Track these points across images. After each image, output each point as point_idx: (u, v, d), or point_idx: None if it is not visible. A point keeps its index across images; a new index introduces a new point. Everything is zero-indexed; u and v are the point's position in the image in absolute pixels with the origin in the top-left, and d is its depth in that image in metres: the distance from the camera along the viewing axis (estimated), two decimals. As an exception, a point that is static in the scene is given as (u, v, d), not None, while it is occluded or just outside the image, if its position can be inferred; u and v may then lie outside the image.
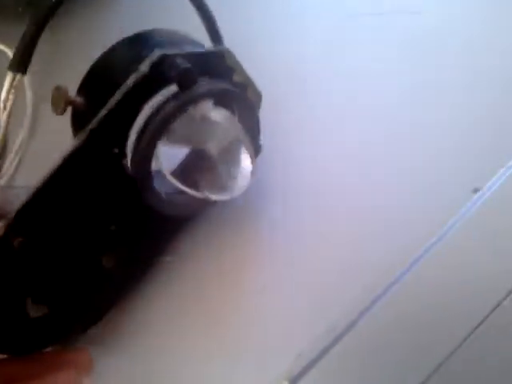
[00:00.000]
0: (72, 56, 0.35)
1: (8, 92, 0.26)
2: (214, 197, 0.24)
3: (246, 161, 0.24)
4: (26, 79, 0.34)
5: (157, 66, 0.21)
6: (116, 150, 0.22)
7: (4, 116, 0.28)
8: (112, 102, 0.20)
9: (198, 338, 0.26)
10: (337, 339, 0.25)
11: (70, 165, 0.20)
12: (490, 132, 0.29)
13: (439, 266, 0.26)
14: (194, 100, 0.21)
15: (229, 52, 0.23)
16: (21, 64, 0.24)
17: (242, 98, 0.24)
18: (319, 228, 0.28)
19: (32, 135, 0.33)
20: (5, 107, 0.28)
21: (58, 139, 0.27)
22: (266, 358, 0.25)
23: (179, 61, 0.21)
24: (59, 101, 0.21)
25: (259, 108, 0.26)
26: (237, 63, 0.23)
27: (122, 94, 0.20)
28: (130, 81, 0.20)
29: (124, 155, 0.22)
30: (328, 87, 0.30)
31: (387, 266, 0.26)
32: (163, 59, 0.21)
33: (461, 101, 0.30)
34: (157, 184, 0.23)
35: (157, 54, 0.20)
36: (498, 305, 0.24)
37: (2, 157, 0.31)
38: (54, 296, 0.23)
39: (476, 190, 0.27)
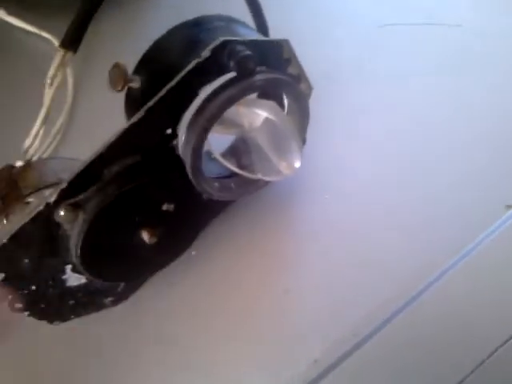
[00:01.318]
0: (114, 44, 0.35)
1: (57, 69, 0.25)
2: (266, 178, 0.25)
3: (294, 146, 0.25)
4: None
5: (218, 51, 0.21)
6: (169, 131, 0.22)
7: (51, 92, 0.27)
8: (171, 83, 0.21)
9: (215, 337, 0.26)
10: (355, 347, 0.24)
11: (125, 139, 0.21)
12: None
13: (469, 280, 0.26)
14: (252, 88, 0.21)
15: (287, 43, 0.23)
16: (73, 41, 0.24)
17: (295, 90, 0.24)
18: (345, 230, 0.27)
19: (73, 113, 0.34)
20: (52, 83, 0.27)
21: (97, 120, 0.28)
22: (282, 362, 0.25)
23: (240, 48, 0.21)
24: (119, 78, 0.21)
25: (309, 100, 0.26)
26: (294, 55, 0.23)
27: (181, 77, 0.20)
28: (191, 64, 0.21)
29: (175, 136, 0.22)
30: (361, 94, 0.30)
31: (413, 278, 0.26)
32: (225, 45, 0.21)
33: (496, 117, 0.30)
34: (205, 168, 0.23)
35: (219, 40, 0.21)
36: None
37: (46, 132, 0.31)
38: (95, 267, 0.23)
39: (509, 207, 0.27)
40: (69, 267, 0.23)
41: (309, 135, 0.26)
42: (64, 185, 0.20)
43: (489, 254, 0.26)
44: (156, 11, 0.34)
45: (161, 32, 0.23)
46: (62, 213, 0.21)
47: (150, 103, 0.21)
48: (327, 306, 0.25)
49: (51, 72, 0.25)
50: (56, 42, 0.32)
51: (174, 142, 0.23)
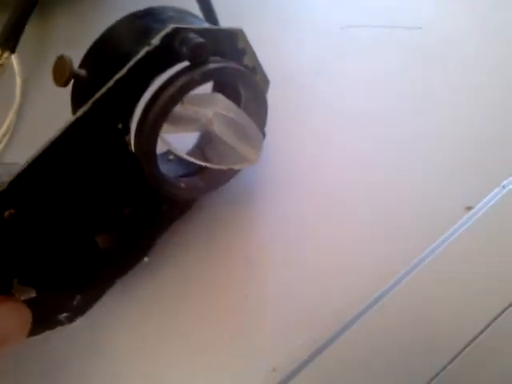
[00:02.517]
0: (61, 41, 0.33)
1: None
2: (235, 167, 0.24)
3: (253, 133, 0.24)
4: (15, 60, 0.33)
5: (169, 39, 0.20)
6: (120, 126, 0.21)
7: None
8: (120, 73, 0.19)
9: (170, 347, 0.24)
10: (314, 353, 0.24)
11: (70, 136, 0.19)
12: (485, 150, 0.29)
13: (429, 282, 0.25)
14: (206, 77, 0.20)
15: (242, 32, 0.22)
16: (9, 40, 0.24)
17: (251, 81, 0.23)
18: (310, 232, 0.27)
19: (21, 115, 0.32)
20: None
21: (46, 119, 0.26)
22: (240, 371, 0.24)
23: (192, 35, 0.20)
24: (63, 71, 0.20)
25: (266, 94, 0.25)
26: (249, 46, 0.23)
27: (131, 66, 0.19)
28: (142, 53, 0.19)
29: (128, 131, 0.21)
30: (323, 97, 0.30)
31: (375, 280, 0.25)
32: (176, 33, 0.20)
33: (457, 117, 0.30)
34: (166, 169, 0.22)
35: (170, 27, 0.20)
36: (489, 324, 0.24)
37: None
38: (42, 277, 0.22)
39: (469, 209, 0.27)
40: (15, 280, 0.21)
41: (268, 136, 0.26)
42: (4, 185, 0.19)
43: (449, 257, 0.26)
44: (108, 9, 0.32)
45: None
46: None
47: (97, 95, 0.19)
48: (287, 313, 0.25)
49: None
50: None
51: (127, 138, 0.21)
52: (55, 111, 0.23)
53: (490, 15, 0.32)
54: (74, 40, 0.24)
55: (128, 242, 0.23)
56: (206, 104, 0.23)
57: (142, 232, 0.24)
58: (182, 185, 0.24)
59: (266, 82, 0.25)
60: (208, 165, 0.25)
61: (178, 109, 0.22)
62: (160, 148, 0.23)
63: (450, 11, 0.32)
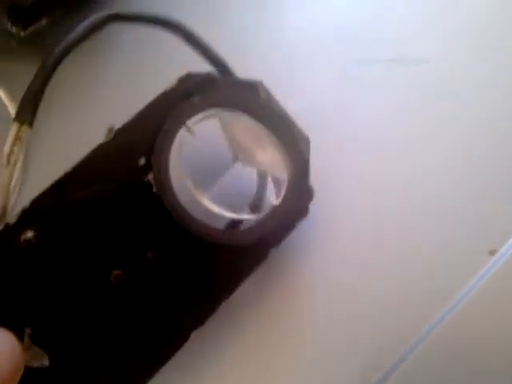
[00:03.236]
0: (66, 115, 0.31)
1: (13, 144, 0.23)
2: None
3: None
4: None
5: (184, 83, 0.22)
6: (142, 162, 0.22)
7: (8, 171, 0.24)
8: (142, 109, 0.22)
9: None
10: None
11: (92, 163, 0.21)
12: (506, 192, 0.28)
13: (457, 331, 0.25)
14: (206, 102, 0.22)
15: (262, 84, 0.24)
16: (29, 114, 0.22)
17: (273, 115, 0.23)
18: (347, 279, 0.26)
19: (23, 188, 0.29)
20: (8, 161, 0.23)
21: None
22: None
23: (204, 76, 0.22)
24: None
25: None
26: (271, 96, 0.24)
27: (150, 102, 0.22)
28: (159, 93, 0.22)
29: (150, 168, 0.22)
30: (335, 134, 0.29)
31: (401, 333, 0.25)
32: (189, 77, 0.22)
33: (474, 154, 0.29)
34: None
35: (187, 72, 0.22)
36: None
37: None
38: (58, 336, 0.20)
39: (493, 252, 0.26)
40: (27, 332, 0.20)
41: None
42: (26, 206, 0.20)
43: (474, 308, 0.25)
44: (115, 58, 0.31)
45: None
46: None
47: (121, 127, 0.22)
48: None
49: (6, 149, 0.23)
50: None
51: (150, 177, 0.22)
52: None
53: (502, 46, 0.30)
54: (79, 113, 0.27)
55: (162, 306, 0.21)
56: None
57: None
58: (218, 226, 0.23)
59: (302, 137, 0.24)
60: (238, 216, 0.23)
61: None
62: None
63: (459, 43, 0.31)
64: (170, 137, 0.21)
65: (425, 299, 0.26)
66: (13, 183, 0.24)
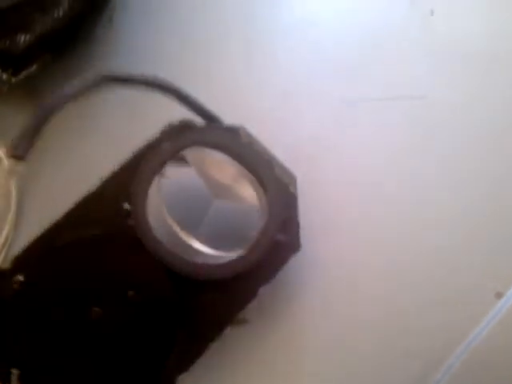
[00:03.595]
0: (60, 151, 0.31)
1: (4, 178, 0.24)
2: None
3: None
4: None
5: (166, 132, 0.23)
6: (127, 206, 0.23)
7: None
8: (126, 160, 0.23)
9: None
10: None
11: (80, 211, 0.22)
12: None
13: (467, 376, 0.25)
14: (178, 148, 0.23)
15: (244, 130, 0.25)
16: (24, 152, 0.22)
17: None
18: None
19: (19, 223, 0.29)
20: None
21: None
22: None
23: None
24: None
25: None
26: (254, 140, 0.25)
27: (136, 152, 0.23)
28: (147, 142, 0.23)
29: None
30: (327, 174, 0.29)
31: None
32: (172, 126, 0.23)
33: (476, 196, 0.28)
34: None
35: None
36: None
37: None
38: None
39: (499, 295, 0.26)
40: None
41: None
42: (19, 253, 0.21)
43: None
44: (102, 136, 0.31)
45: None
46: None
47: (109, 175, 0.23)
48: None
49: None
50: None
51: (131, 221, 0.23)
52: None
53: (497, 82, 0.30)
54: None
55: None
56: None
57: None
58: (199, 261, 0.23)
59: (290, 177, 0.25)
60: (226, 254, 0.24)
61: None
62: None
63: (454, 78, 0.31)
64: (144, 182, 0.22)
65: (431, 347, 0.26)
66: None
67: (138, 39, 0.31)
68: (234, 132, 0.25)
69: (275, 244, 0.23)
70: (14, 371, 0.20)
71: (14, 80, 0.27)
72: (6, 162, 0.23)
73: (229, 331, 0.23)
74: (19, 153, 0.22)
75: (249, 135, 0.25)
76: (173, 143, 0.23)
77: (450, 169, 0.29)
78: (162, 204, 0.23)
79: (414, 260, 0.27)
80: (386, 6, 0.32)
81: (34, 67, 0.27)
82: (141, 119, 0.29)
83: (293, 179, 0.25)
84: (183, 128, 0.24)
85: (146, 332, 0.22)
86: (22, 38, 0.27)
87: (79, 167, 0.28)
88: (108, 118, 0.29)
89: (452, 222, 0.28)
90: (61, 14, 0.28)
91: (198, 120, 0.25)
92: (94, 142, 0.29)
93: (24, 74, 0.27)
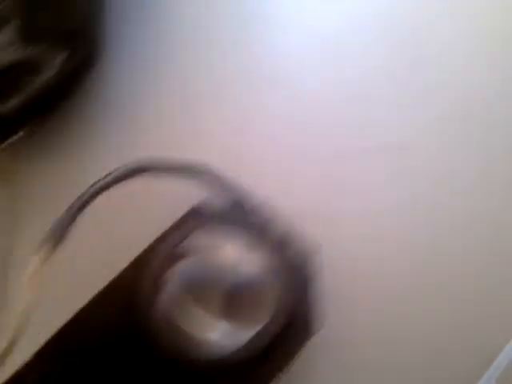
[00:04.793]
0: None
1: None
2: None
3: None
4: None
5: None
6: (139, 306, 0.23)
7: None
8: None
9: None
10: None
11: (92, 310, 0.22)
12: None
13: None
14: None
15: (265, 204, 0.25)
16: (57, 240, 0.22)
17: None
18: None
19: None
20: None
21: None
22: None
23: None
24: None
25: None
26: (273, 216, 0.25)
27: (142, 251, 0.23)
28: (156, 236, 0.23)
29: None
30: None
31: None
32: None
33: (473, 237, 0.29)
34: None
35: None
36: None
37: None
38: None
39: None
40: None
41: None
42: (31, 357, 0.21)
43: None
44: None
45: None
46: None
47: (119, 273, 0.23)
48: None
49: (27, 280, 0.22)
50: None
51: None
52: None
53: (478, 135, 0.31)
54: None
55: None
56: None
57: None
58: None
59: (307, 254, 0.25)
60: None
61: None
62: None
63: (437, 130, 0.32)
64: (154, 282, 0.23)
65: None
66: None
67: (128, 89, 0.31)
68: (248, 211, 0.25)
69: (291, 324, 0.22)
70: None
71: (1, 147, 0.25)
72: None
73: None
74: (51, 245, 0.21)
75: (269, 211, 0.25)
76: (182, 233, 0.24)
77: (438, 217, 0.30)
78: (176, 287, 0.23)
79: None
80: (371, 55, 0.33)
81: (21, 133, 0.26)
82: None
83: (311, 252, 0.25)
84: (194, 213, 0.24)
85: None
86: (11, 101, 0.25)
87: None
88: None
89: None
90: (52, 75, 0.26)
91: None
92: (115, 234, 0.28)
93: (11, 140, 0.26)
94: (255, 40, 0.33)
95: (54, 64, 0.26)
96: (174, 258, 0.23)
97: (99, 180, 0.22)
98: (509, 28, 0.34)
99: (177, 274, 0.23)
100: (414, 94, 0.32)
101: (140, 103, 0.30)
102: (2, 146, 0.25)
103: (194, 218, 0.24)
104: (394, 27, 0.34)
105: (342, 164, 0.30)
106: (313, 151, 0.31)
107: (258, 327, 0.22)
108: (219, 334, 0.23)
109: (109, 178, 0.22)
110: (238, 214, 0.24)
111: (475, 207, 0.30)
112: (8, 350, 0.22)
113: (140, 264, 0.23)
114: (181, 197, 0.27)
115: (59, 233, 0.22)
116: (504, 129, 0.32)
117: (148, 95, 0.31)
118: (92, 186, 0.22)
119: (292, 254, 0.24)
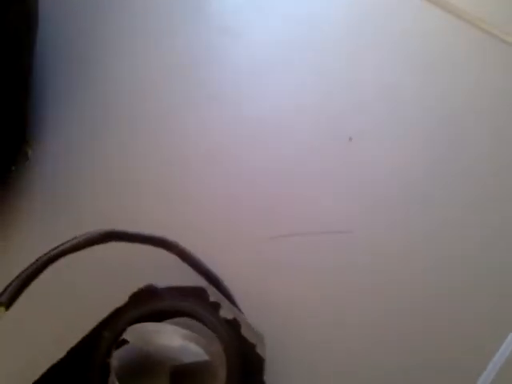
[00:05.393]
0: None
1: None
2: None
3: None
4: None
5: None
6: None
7: None
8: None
9: None
10: None
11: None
12: None
13: None
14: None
15: (210, 288, 0.25)
16: (8, 300, 0.22)
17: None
18: None
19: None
20: None
21: None
22: None
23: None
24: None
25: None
26: (221, 299, 0.25)
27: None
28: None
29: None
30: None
31: None
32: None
33: None
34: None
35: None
36: None
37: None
38: None
39: None
40: None
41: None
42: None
43: None
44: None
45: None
46: None
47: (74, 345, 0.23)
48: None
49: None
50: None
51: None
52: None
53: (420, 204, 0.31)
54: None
55: None
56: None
57: None
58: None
59: (257, 337, 0.24)
60: None
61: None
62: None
63: (380, 212, 0.31)
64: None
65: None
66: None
67: (55, 174, 0.32)
68: (199, 292, 0.24)
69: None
70: None
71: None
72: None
73: None
74: (2, 300, 0.22)
75: (216, 293, 0.25)
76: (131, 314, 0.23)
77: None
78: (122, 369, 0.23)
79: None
80: (305, 139, 0.34)
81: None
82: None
83: (260, 338, 0.24)
84: (146, 292, 0.24)
85: None
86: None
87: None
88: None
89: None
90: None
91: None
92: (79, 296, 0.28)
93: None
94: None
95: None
96: (121, 341, 0.23)
97: (49, 251, 0.22)
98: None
99: (123, 356, 0.23)
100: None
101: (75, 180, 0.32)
102: None
103: (146, 296, 0.24)
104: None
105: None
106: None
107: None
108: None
109: (57, 250, 0.22)
110: (189, 295, 0.24)
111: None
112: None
113: (88, 344, 0.23)
114: (135, 271, 0.27)
115: (12, 291, 0.22)
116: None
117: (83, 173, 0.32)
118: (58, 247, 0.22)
119: (240, 338, 0.24)
